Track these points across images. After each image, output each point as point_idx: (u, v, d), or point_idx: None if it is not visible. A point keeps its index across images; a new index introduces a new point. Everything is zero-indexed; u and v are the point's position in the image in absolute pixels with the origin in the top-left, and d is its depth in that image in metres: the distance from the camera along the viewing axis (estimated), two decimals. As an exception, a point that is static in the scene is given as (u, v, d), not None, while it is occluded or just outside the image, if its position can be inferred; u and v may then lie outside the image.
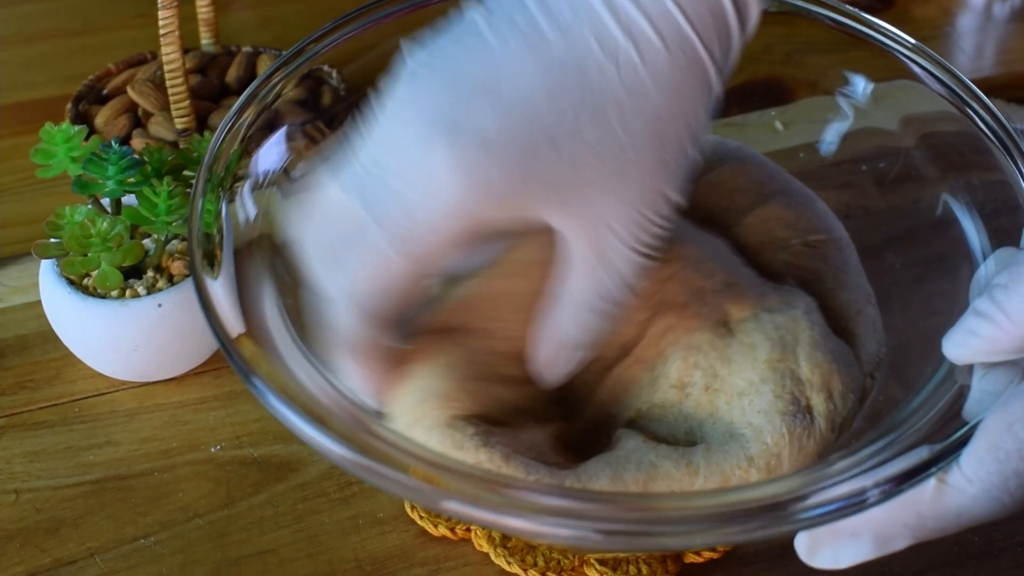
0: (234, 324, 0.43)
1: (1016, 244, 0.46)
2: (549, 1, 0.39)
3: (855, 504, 0.38)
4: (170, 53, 0.64)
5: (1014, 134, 0.49)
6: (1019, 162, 0.48)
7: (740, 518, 0.38)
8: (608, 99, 0.39)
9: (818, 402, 0.45)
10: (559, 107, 0.39)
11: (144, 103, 0.68)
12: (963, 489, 0.38)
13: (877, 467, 0.38)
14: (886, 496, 0.37)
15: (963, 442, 0.38)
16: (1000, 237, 0.48)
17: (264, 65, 0.72)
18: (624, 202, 0.40)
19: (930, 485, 0.38)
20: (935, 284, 0.49)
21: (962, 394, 0.41)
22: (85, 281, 0.56)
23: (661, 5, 0.39)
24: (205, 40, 0.74)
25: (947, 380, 0.42)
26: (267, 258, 0.47)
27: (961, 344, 0.40)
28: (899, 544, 0.39)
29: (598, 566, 0.50)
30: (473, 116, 0.38)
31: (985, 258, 0.47)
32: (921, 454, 0.38)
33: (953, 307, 0.47)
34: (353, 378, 0.42)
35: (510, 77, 0.39)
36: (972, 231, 0.49)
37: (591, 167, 0.39)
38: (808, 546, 0.40)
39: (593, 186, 0.39)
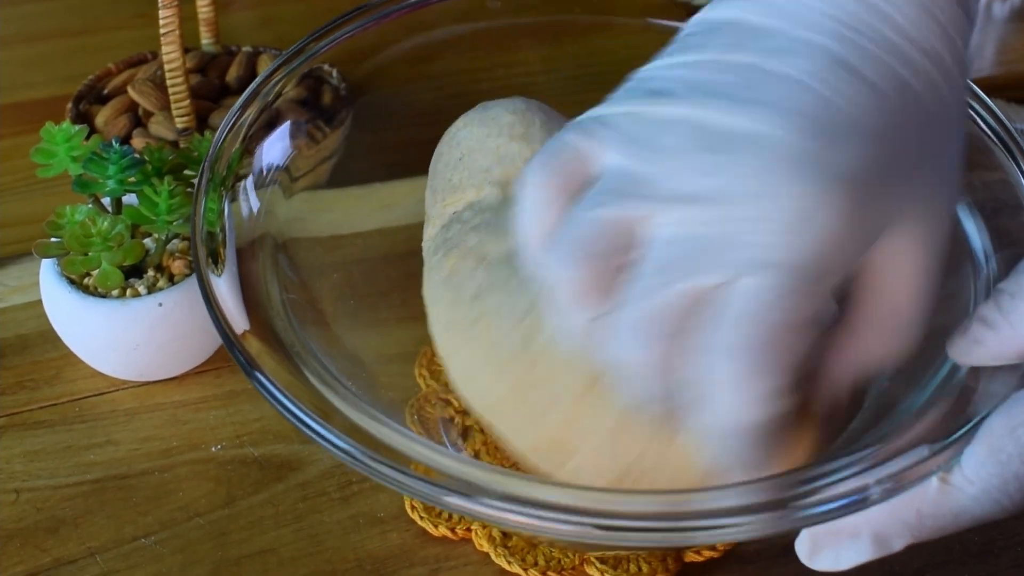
0: (238, 321, 0.43)
1: (1017, 244, 0.46)
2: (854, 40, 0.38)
3: (858, 501, 0.38)
4: (170, 53, 0.64)
5: (1015, 134, 0.49)
6: (1020, 162, 0.49)
7: (741, 515, 0.38)
8: (924, 116, 0.39)
9: None
10: (893, 137, 0.38)
11: (144, 103, 0.68)
12: (963, 489, 0.38)
13: (880, 465, 0.38)
14: (888, 494, 0.38)
15: (966, 441, 0.38)
16: (1001, 237, 0.48)
17: (264, 65, 0.72)
18: (948, 204, 0.41)
19: (932, 484, 0.38)
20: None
21: (965, 393, 0.41)
22: (86, 280, 0.56)
23: (927, 17, 0.39)
24: (205, 40, 0.74)
25: (950, 379, 0.42)
26: (269, 256, 0.48)
27: (966, 350, 0.40)
28: (898, 544, 0.39)
29: (598, 565, 0.50)
30: (830, 155, 0.37)
31: (986, 258, 0.47)
32: (922, 453, 0.38)
33: (955, 307, 0.47)
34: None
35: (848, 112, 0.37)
36: (973, 231, 0.49)
37: (923, 178, 0.39)
38: (809, 548, 0.40)
39: (928, 196, 0.40)
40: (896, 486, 0.38)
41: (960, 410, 0.41)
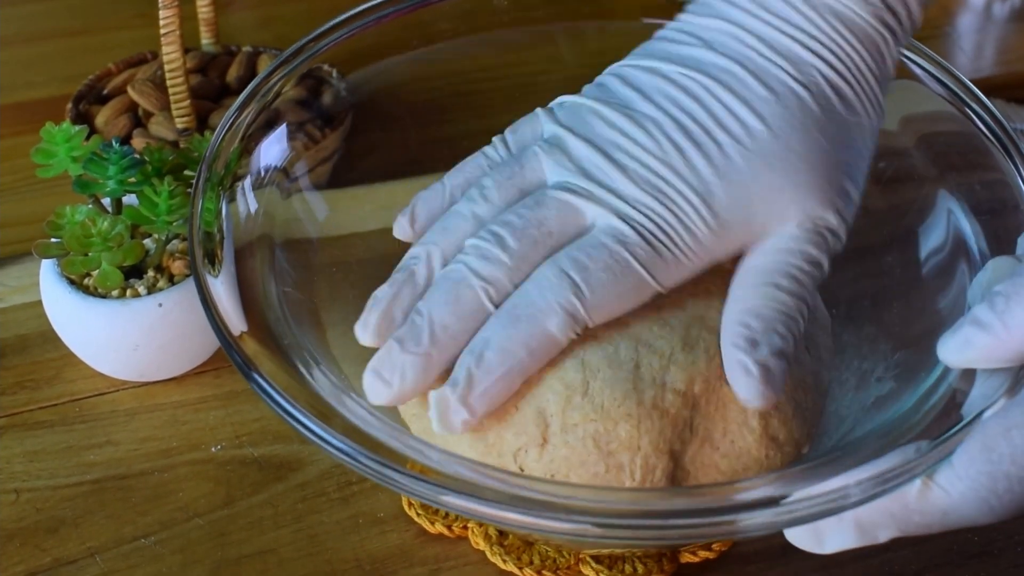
0: (236, 322, 0.43)
1: (1015, 244, 0.46)
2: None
3: (837, 502, 0.38)
4: (170, 53, 0.64)
5: (1013, 134, 0.49)
6: (1018, 162, 0.49)
7: (725, 513, 0.38)
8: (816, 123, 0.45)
9: None
10: (778, 155, 0.44)
11: (144, 103, 0.69)
12: (952, 486, 0.37)
13: (862, 464, 0.38)
14: (868, 496, 0.37)
15: (954, 443, 0.38)
16: (999, 237, 0.48)
17: (264, 65, 0.72)
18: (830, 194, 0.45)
19: (916, 484, 0.38)
20: (934, 284, 0.49)
21: (955, 395, 0.41)
22: (86, 281, 0.56)
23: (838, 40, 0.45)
24: (205, 40, 0.74)
25: (942, 380, 0.42)
26: (267, 257, 0.48)
27: (957, 351, 0.40)
28: (884, 535, 0.39)
29: (594, 564, 0.50)
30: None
31: (983, 258, 0.47)
32: (908, 453, 0.38)
33: (952, 307, 0.47)
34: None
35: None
36: (971, 231, 0.49)
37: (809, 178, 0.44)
38: None
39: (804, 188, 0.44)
40: (880, 487, 0.38)
41: (949, 413, 0.41)
